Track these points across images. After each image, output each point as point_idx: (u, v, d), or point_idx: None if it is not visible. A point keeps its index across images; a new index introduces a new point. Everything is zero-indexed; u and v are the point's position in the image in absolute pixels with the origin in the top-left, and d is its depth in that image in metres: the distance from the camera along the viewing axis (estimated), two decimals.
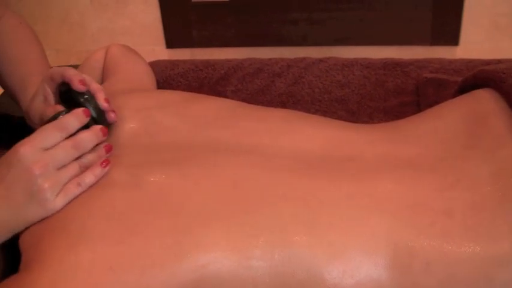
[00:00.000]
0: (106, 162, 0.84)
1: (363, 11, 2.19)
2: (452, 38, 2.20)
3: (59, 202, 0.80)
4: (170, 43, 2.40)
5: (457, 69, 1.38)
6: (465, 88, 1.05)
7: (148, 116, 0.95)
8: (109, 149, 0.86)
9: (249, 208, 0.79)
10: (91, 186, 0.83)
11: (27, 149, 0.80)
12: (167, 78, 1.45)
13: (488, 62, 1.36)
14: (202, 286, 0.76)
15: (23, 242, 0.81)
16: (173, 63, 1.49)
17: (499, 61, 1.36)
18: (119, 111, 0.94)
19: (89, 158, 0.84)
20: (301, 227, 0.78)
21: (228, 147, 0.88)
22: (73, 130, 0.83)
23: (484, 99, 0.95)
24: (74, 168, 0.82)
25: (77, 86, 0.88)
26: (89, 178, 0.82)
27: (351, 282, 0.76)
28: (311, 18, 2.22)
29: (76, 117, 0.84)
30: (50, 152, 0.81)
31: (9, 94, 1.10)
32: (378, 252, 0.77)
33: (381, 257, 0.77)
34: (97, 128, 0.85)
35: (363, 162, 0.86)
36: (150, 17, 2.37)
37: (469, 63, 1.40)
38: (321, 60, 1.46)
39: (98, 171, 0.83)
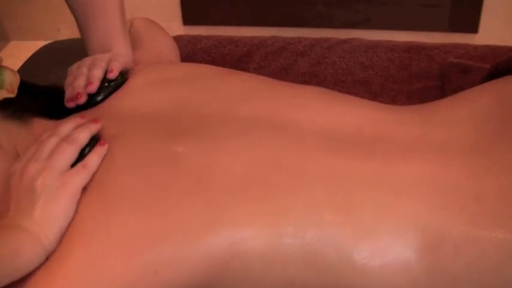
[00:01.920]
0: (103, 142, 0.83)
1: None
2: (471, 25, 2.19)
3: (70, 186, 0.78)
4: (187, 20, 2.39)
5: (482, 55, 1.37)
6: (495, 74, 1.04)
7: (179, 87, 0.94)
8: (96, 121, 0.87)
9: (284, 186, 0.79)
10: (130, 154, 0.83)
11: (12, 168, 0.82)
12: (189, 53, 1.44)
13: None
14: (233, 263, 0.76)
15: None
16: (196, 39, 1.49)
17: None
18: (147, 84, 0.94)
19: (75, 132, 0.84)
20: (332, 206, 0.78)
21: (265, 123, 0.88)
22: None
23: None
24: (61, 145, 0.81)
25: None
26: (93, 159, 0.81)
27: (379, 263, 0.76)
28: (329, 0, 2.21)
29: None
30: (32, 152, 0.83)
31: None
32: (407, 234, 0.77)
33: (410, 239, 0.77)
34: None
35: (395, 143, 0.86)
36: None
37: (494, 49, 1.39)
38: (344, 41, 1.45)
39: (99, 150, 0.82)
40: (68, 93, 0.98)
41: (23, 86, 0.96)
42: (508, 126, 0.87)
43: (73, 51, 1.13)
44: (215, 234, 0.75)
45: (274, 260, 0.76)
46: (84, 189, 0.79)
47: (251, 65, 1.41)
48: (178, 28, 2.39)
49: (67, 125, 0.86)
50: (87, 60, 1.02)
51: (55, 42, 1.66)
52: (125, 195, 0.77)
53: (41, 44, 1.62)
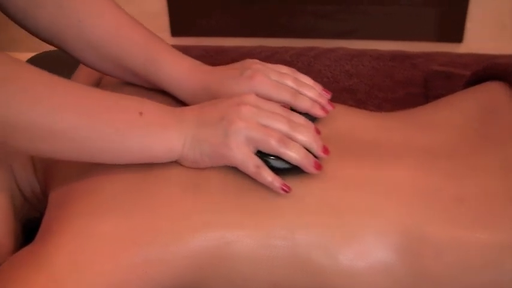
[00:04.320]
0: (287, 189, 0.79)
1: (370, 5, 2.19)
2: (456, 35, 2.21)
3: (237, 150, 0.79)
4: (175, 31, 2.40)
5: (465, 63, 1.39)
6: (475, 81, 1.06)
7: None
8: (326, 150, 0.83)
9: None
10: None
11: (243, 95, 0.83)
12: None
13: (495, 57, 1.37)
14: (221, 264, 0.77)
15: (52, 199, 0.83)
16: (185, 49, 1.48)
17: (507, 57, 1.38)
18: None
19: (295, 146, 0.80)
20: (321, 208, 0.79)
21: None
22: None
23: (496, 91, 0.96)
24: (272, 133, 0.79)
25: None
26: (266, 177, 0.79)
27: (363, 265, 0.77)
28: (318, 10, 2.22)
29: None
30: (267, 105, 0.82)
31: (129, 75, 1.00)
32: (392, 236, 0.78)
33: (394, 240, 0.78)
34: (312, 125, 0.84)
35: (381, 148, 0.87)
36: (156, 4, 2.36)
37: (477, 57, 1.41)
38: (330, 50, 1.47)
39: (276, 183, 0.79)
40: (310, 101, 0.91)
41: None
42: (489, 130, 0.89)
43: (62, 61, 1.13)
44: (204, 235, 0.76)
45: (262, 262, 0.77)
46: (76, 197, 0.80)
47: None
48: (167, 39, 2.37)
49: (307, 134, 0.82)
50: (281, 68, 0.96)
51: (44, 52, 1.66)
52: (115, 199, 0.78)
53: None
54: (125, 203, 0.78)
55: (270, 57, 1.46)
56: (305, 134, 0.81)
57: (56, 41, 0.95)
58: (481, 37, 2.21)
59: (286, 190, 0.78)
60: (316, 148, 0.81)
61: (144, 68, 0.96)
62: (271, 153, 0.79)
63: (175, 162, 0.82)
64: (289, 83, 0.90)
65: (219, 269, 0.77)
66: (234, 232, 0.77)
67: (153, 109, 0.81)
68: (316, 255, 0.77)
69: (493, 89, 0.97)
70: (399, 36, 2.22)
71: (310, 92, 0.90)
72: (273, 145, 0.79)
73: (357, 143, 0.88)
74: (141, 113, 0.78)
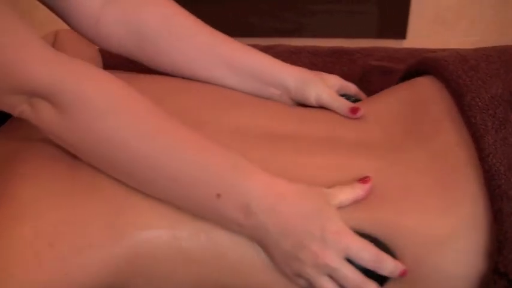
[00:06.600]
0: None
1: (313, 2, 2.20)
2: (399, 31, 2.23)
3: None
4: None
5: (402, 57, 1.40)
6: (409, 75, 1.07)
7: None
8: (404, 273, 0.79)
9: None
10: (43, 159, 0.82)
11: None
12: (116, 64, 1.44)
13: (433, 51, 1.38)
14: (138, 263, 0.77)
15: None
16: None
17: (444, 50, 1.39)
18: None
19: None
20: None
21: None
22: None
23: (424, 86, 0.97)
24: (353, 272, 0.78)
25: None
26: None
27: None
28: (258, 9, 2.22)
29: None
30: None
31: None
32: None
33: None
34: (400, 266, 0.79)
35: (301, 141, 0.88)
36: None
37: (414, 52, 1.43)
38: (269, 47, 1.47)
39: None
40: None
41: None
42: (414, 126, 0.90)
43: None
44: (120, 238, 0.76)
45: (178, 261, 0.78)
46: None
47: None
48: None
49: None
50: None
51: None
52: (33, 203, 0.77)
53: None
54: (43, 206, 0.77)
55: None
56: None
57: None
58: (423, 33, 2.24)
59: None
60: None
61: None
62: None
63: (85, 165, 0.80)
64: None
65: (137, 269, 0.77)
66: (148, 231, 0.77)
67: (232, 194, 0.76)
68: (233, 253, 0.78)
69: (421, 84, 0.98)
70: (342, 33, 2.23)
71: None
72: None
73: (276, 137, 0.88)
74: (218, 195, 0.76)
